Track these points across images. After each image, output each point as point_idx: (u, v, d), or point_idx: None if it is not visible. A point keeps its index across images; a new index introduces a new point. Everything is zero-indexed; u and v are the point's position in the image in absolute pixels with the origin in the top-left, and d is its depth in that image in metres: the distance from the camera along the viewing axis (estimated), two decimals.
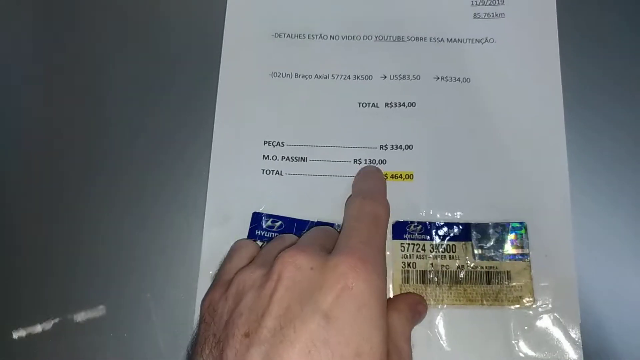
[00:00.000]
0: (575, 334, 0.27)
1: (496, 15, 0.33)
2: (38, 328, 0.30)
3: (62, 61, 0.34)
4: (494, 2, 0.33)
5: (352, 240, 0.24)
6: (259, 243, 0.29)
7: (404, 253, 0.29)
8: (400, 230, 0.29)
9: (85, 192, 0.32)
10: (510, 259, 0.28)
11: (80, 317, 0.30)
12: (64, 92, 0.33)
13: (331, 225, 0.30)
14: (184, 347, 0.28)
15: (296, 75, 0.33)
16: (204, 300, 0.25)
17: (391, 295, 0.28)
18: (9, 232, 0.32)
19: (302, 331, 0.21)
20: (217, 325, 0.23)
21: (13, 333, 0.30)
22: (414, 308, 0.26)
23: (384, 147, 0.31)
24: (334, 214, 0.30)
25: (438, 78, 0.32)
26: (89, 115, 0.33)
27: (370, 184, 0.29)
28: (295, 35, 0.33)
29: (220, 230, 0.30)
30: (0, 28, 0.35)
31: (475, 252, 0.29)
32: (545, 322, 0.27)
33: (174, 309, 0.30)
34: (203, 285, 0.29)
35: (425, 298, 0.28)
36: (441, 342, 0.28)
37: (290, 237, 0.28)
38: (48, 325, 0.30)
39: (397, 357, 0.23)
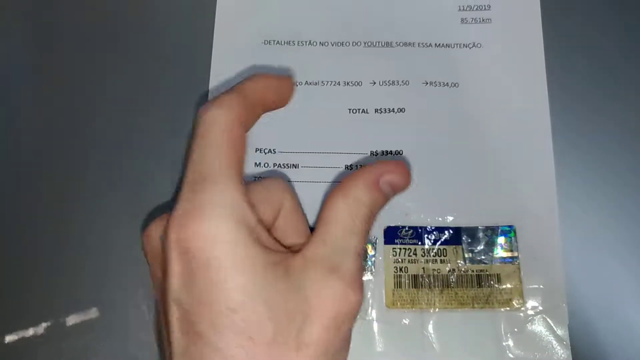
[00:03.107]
0: (563, 335, 0.28)
1: (483, 20, 0.33)
2: (30, 332, 0.30)
3: (52, 68, 0.34)
4: (481, 7, 0.34)
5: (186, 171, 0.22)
6: None
7: (395, 258, 0.29)
8: (392, 235, 0.30)
9: (78, 194, 0.32)
10: (500, 262, 0.29)
11: (73, 320, 0.30)
12: (52, 99, 0.33)
13: None
14: None
15: None
16: None
17: (384, 301, 0.29)
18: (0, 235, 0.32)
19: None
20: None
21: (4, 337, 0.30)
22: (372, 185, 0.22)
23: (374, 153, 0.31)
24: None
25: (427, 83, 0.32)
26: (79, 118, 0.33)
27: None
28: (284, 42, 0.33)
29: None
30: None
31: (466, 255, 0.29)
32: (534, 323, 0.28)
33: None
34: None
35: (421, 305, 0.28)
36: (433, 345, 0.28)
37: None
38: (40, 329, 0.30)
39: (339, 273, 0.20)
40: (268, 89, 0.25)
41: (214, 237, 0.19)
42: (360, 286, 0.21)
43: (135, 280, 0.30)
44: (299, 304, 0.19)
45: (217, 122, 0.21)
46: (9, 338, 0.30)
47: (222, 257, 0.19)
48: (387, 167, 0.23)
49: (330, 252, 0.21)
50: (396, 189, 0.23)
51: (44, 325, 0.30)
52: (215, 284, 0.19)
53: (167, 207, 0.31)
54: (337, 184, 0.23)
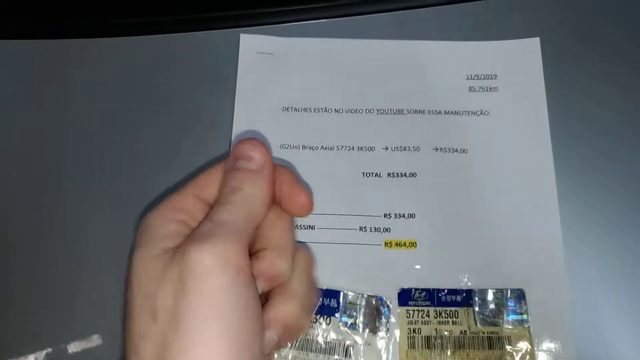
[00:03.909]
0: None
1: (490, 89, 0.35)
2: (31, 358, 0.30)
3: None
4: (488, 76, 0.36)
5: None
6: None
7: (409, 319, 0.30)
8: (406, 297, 0.31)
9: (83, 220, 0.33)
10: (510, 325, 0.30)
11: (74, 347, 0.30)
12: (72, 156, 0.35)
13: (337, 293, 0.31)
14: None
15: (303, 146, 0.35)
16: None
17: (398, 359, 0.30)
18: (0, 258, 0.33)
19: None
20: None
21: None
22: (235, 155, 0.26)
23: (387, 216, 0.33)
24: (341, 282, 0.31)
25: (437, 149, 0.34)
26: (93, 154, 0.35)
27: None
28: (302, 109, 0.35)
29: None
30: None
31: (477, 317, 0.30)
32: None
33: None
34: None
35: None
36: None
37: None
38: (41, 355, 0.30)
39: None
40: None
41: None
42: None
43: None
44: None
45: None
46: None
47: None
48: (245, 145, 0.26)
49: None
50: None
51: (44, 352, 0.30)
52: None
53: None
54: None
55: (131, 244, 0.22)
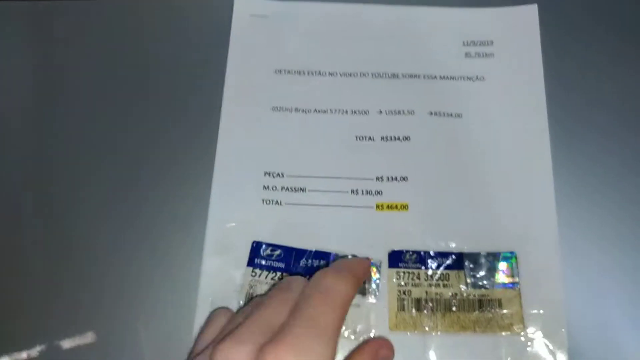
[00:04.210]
0: (563, 359, 0.28)
1: (486, 55, 0.35)
2: (23, 355, 0.30)
3: (65, 91, 0.36)
4: (484, 42, 0.35)
5: (297, 321, 0.23)
6: (258, 271, 0.30)
7: (399, 281, 0.30)
8: (396, 259, 0.30)
9: (80, 218, 0.33)
10: (501, 287, 0.29)
11: (68, 344, 0.30)
12: (58, 119, 0.35)
13: (328, 254, 0.31)
14: None
15: (296, 109, 0.34)
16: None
17: (387, 324, 0.29)
18: None
19: None
20: None
21: None
22: (374, 353, 0.27)
23: (380, 179, 0.32)
24: (331, 243, 0.31)
25: (432, 113, 0.34)
26: (89, 138, 0.34)
27: (345, 263, 0.28)
28: (295, 72, 0.35)
29: (220, 258, 0.31)
30: None
31: (468, 280, 0.30)
32: (535, 348, 0.28)
33: (168, 338, 0.30)
34: (201, 312, 0.30)
35: (424, 328, 0.29)
36: None
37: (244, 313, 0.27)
38: (34, 352, 0.30)
39: None
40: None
41: None
42: None
43: (132, 305, 0.31)
44: None
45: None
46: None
47: None
48: (382, 343, 0.28)
49: None
50: None
51: (38, 348, 0.30)
52: None
53: (176, 233, 0.32)
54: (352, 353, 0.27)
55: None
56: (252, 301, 0.27)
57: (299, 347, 0.22)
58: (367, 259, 0.30)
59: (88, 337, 0.30)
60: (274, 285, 0.30)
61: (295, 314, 0.23)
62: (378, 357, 0.27)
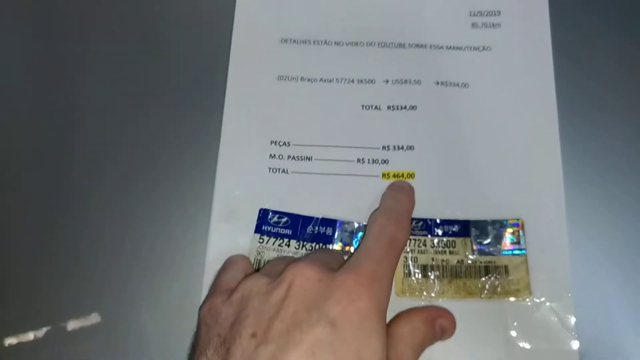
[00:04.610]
0: (570, 325, 0.28)
1: (493, 25, 0.35)
2: (30, 336, 0.30)
3: (67, 62, 0.35)
4: (491, 12, 0.35)
5: (364, 260, 0.25)
6: (265, 238, 0.30)
7: (405, 248, 0.30)
8: None
9: (85, 193, 0.33)
10: (507, 254, 0.30)
11: (73, 325, 0.30)
12: (63, 93, 0.35)
13: (334, 222, 0.31)
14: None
15: (302, 78, 0.34)
16: (203, 305, 0.26)
17: (394, 290, 0.29)
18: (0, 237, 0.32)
19: (308, 334, 0.22)
20: (222, 327, 0.24)
21: (4, 340, 0.30)
22: (429, 320, 0.27)
23: (386, 148, 0.32)
24: (338, 212, 0.31)
25: (438, 83, 0.33)
26: (91, 115, 0.34)
27: (399, 205, 0.30)
28: (301, 41, 0.35)
29: (227, 225, 0.31)
30: None
31: (474, 247, 0.30)
32: (541, 314, 0.28)
33: (177, 304, 0.30)
34: (208, 278, 0.30)
35: (430, 294, 0.29)
36: None
37: (292, 258, 0.29)
38: (40, 333, 0.30)
39: None
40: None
41: None
42: None
43: (137, 287, 0.31)
44: None
45: None
46: (8, 342, 0.30)
47: None
48: (442, 313, 0.28)
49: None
50: (444, 333, 0.27)
51: (44, 329, 0.30)
52: None
53: (184, 201, 0.32)
54: (402, 313, 0.27)
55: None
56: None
57: (373, 276, 0.24)
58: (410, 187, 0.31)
59: (96, 305, 0.30)
60: (281, 251, 0.30)
61: (364, 255, 0.26)
62: (435, 326, 0.27)
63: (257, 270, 0.29)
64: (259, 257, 0.30)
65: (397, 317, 0.27)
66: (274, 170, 0.32)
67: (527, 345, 0.28)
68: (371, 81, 0.34)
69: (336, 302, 0.23)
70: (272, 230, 0.31)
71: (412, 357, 0.25)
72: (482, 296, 0.29)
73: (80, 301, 0.31)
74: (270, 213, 0.31)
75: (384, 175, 0.32)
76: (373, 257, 0.25)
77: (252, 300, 0.24)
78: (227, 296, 0.25)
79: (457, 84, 0.33)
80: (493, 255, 0.30)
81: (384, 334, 0.23)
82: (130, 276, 0.31)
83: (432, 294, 0.29)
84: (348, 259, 0.26)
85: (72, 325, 0.30)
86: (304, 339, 0.22)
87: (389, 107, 0.33)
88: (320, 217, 0.31)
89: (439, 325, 0.27)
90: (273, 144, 0.33)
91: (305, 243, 0.30)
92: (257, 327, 0.23)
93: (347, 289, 0.23)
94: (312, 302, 0.23)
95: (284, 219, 0.31)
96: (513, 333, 0.28)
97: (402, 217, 0.29)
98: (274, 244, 0.30)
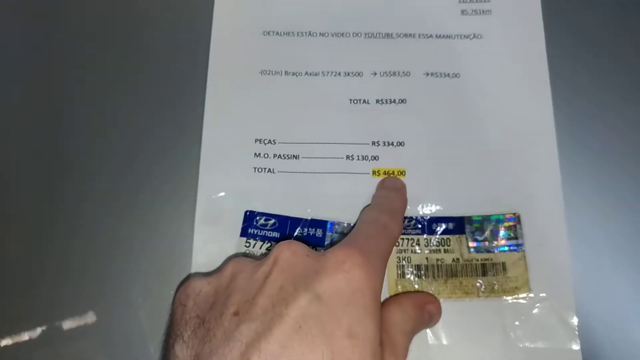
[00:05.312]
0: (571, 322, 0.27)
1: (483, 12, 0.33)
2: (24, 336, 0.29)
3: (50, 60, 0.33)
4: None
5: (356, 237, 0.24)
6: (252, 242, 0.29)
7: (398, 248, 0.29)
8: None
9: (74, 194, 0.31)
10: (505, 250, 0.29)
11: (68, 324, 0.29)
12: (47, 93, 0.33)
13: (324, 223, 0.29)
14: None
15: (286, 72, 0.32)
16: (179, 287, 0.24)
17: (387, 291, 0.28)
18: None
19: (294, 307, 0.21)
20: (201, 308, 0.22)
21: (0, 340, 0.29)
22: (419, 306, 0.26)
23: (375, 144, 0.31)
24: (328, 212, 0.30)
25: (428, 74, 0.32)
26: (74, 115, 0.32)
27: (391, 203, 0.29)
28: (284, 33, 0.33)
29: (212, 229, 0.30)
30: None
31: (470, 244, 0.29)
32: (541, 311, 0.27)
33: (165, 311, 0.29)
34: None
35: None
36: (439, 334, 0.28)
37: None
38: (35, 333, 0.29)
39: (391, 349, 0.23)
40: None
41: None
42: None
43: (131, 281, 0.30)
44: None
45: None
46: (2, 342, 0.29)
47: None
48: (430, 299, 0.27)
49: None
50: (432, 319, 0.27)
51: (39, 329, 0.29)
52: None
53: (166, 205, 0.30)
54: (391, 298, 0.27)
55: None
56: None
57: (365, 249, 0.23)
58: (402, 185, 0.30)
59: (82, 313, 0.29)
60: None
61: (355, 234, 0.25)
62: (424, 311, 0.26)
63: None
64: None
65: (387, 302, 0.25)
66: (260, 169, 0.31)
67: (527, 344, 0.27)
68: (359, 74, 0.32)
69: (326, 275, 0.21)
70: (259, 233, 0.29)
71: (404, 343, 0.24)
72: (480, 295, 0.28)
73: (75, 300, 0.30)
74: (257, 215, 0.30)
75: (374, 172, 0.31)
76: (366, 235, 0.25)
77: (236, 278, 0.23)
78: (207, 277, 0.24)
79: (448, 75, 0.32)
80: (490, 252, 0.29)
81: (378, 314, 0.22)
82: (121, 277, 0.30)
83: None
84: None
85: (67, 324, 0.29)
86: (289, 314, 0.20)
87: (377, 101, 0.32)
88: (309, 218, 0.30)
89: (427, 311, 0.26)
90: (258, 142, 0.31)
91: None
92: (240, 305, 0.21)
93: (338, 260, 0.22)
94: (299, 276, 0.22)
95: (271, 221, 0.30)
96: (512, 332, 0.27)
97: (396, 213, 0.28)
98: (261, 247, 0.29)
